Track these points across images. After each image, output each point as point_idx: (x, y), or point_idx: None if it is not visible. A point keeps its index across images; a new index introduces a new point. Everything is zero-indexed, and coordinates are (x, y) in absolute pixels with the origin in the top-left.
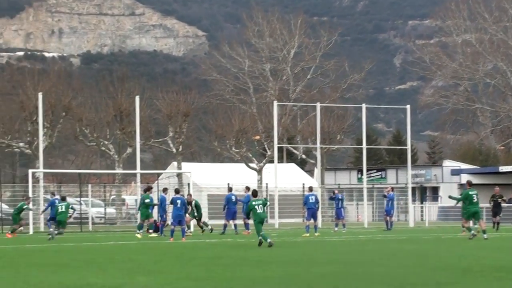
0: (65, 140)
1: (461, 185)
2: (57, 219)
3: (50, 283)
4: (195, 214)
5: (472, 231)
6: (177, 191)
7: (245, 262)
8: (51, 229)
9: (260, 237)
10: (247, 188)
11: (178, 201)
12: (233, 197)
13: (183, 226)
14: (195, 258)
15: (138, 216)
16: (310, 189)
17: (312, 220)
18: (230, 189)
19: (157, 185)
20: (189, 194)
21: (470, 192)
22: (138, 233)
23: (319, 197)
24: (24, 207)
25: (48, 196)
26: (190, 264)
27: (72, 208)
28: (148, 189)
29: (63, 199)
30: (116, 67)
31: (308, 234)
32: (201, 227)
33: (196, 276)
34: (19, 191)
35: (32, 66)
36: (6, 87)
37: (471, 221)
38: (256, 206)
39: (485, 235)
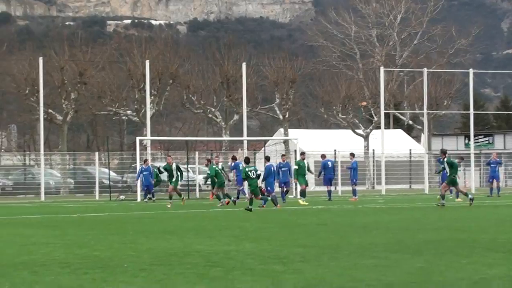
0: (172, 107)
1: None
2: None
3: (157, 250)
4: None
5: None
6: (268, 159)
7: (351, 229)
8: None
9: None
10: (352, 155)
11: (272, 168)
12: (329, 163)
13: (273, 193)
14: (301, 225)
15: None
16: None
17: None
18: (324, 156)
19: (264, 152)
20: (216, 157)
21: (452, 159)
22: (301, 199)
23: (425, 163)
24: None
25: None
26: (296, 231)
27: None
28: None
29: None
30: (223, 34)
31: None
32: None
33: (302, 242)
34: (126, 158)
35: (139, 34)
36: (114, 55)
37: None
38: (249, 173)
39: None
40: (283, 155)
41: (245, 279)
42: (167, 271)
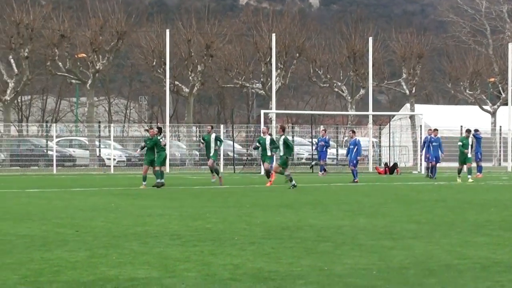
0: (300, 81)
1: None
2: None
3: (271, 223)
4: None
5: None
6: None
7: (469, 206)
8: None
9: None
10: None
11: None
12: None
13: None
14: (419, 201)
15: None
16: None
17: None
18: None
19: (389, 127)
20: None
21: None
22: (469, 177)
23: None
24: None
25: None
26: (413, 207)
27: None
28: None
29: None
30: (354, 9)
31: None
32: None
33: (417, 219)
34: (253, 131)
35: (272, 8)
36: (242, 28)
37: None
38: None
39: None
40: (435, 130)
41: (352, 254)
42: (276, 245)
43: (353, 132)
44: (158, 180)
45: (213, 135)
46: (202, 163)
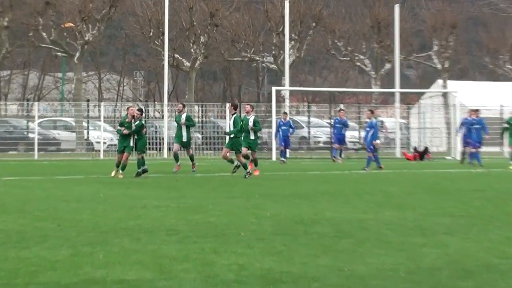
0: (317, 54)
1: None
2: None
3: (282, 216)
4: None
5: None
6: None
7: (511, 196)
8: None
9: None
10: None
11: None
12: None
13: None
14: (454, 191)
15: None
16: None
17: None
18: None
19: (419, 106)
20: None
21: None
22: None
23: None
24: None
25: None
26: (447, 198)
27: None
28: None
29: None
30: None
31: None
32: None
33: (451, 211)
34: (263, 110)
35: None
36: None
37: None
38: None
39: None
40: (476, 110)
41: (377, 253)
42: (289, 242)
43: (372, 112)
44: (139, 170)
45: (183, 115)
46: (205, 147)
